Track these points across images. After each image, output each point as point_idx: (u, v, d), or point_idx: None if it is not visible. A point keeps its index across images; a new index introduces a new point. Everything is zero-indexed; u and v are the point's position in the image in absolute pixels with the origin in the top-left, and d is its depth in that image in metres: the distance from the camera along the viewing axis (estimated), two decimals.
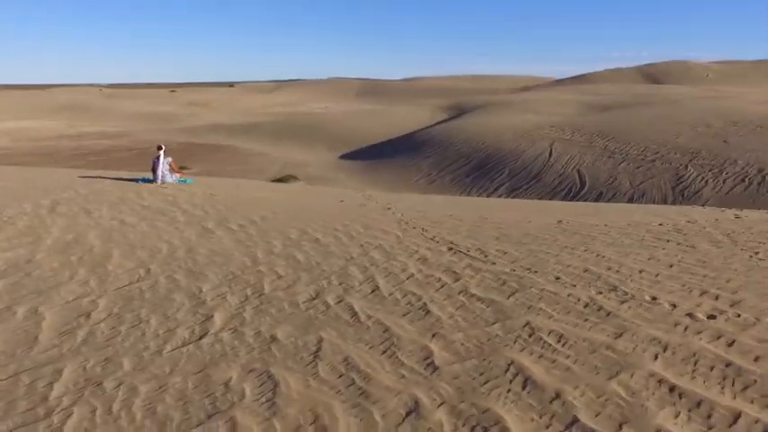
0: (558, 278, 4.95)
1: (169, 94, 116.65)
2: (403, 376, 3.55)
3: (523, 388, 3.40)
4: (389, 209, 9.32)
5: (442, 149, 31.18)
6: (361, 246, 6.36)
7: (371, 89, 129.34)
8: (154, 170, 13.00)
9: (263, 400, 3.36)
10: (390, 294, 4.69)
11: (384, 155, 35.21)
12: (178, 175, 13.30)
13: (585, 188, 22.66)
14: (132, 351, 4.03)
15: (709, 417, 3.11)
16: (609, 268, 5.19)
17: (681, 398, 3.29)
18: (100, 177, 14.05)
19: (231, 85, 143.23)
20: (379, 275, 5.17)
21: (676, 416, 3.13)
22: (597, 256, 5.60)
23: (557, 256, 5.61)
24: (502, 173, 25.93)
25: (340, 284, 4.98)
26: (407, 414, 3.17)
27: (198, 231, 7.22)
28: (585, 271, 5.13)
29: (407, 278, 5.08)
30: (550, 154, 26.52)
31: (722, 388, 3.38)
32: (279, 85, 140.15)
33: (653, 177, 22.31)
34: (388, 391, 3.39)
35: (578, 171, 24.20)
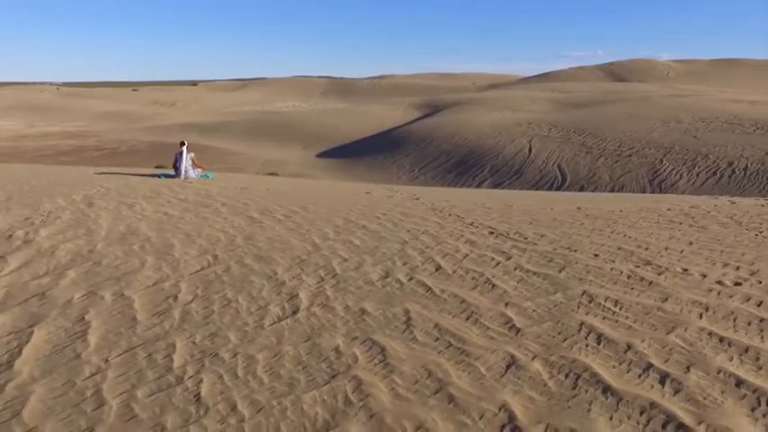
0: (596, 255, 5.59)
1: (131, 92, 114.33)
2: (492, 337, 4.10)
3: (598, 343, 4.00)
4: (418, 199, 9.89)
5: (423, 146, 31.91)
6: (408, 231, 6.89)
7: (337, 87, 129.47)
8: (176, 165, 13.25)
9: (377, 361, 3.86)
10: (454, 272, 5.24)
11: (362, 152, 35.74)
12: (199, 170, 13.56)
13: (567, 182, 23.68)
14: (233, 327, 4.46)
15: (757, 359, 3.77)
16: (638, 246, 5.87)
17: (730, 346, 3.94)
18: (116, 174, 14.19)
19: (194, 83, 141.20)
20: (437, 256, 5.72)
21: (731, 359, 3.78)
22: (624, 236, 6.28)
23: (588, 237, 6.27)
24: (483, 169, 26.79)
25: (404, 264, 5.50)
26: (508, 367, 3.73)
27: (246, 221, 7.60)
28: (619, 249, 5.79)
29: (463, 258, 5.63)
30: (530, 150, 27.53)
31: (762, 338, 4.06)
32: (244, 83, 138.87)
33: (630, 171, 23.49)
34: (483, 349, 3.94)
35: (559, 166, 25.24)
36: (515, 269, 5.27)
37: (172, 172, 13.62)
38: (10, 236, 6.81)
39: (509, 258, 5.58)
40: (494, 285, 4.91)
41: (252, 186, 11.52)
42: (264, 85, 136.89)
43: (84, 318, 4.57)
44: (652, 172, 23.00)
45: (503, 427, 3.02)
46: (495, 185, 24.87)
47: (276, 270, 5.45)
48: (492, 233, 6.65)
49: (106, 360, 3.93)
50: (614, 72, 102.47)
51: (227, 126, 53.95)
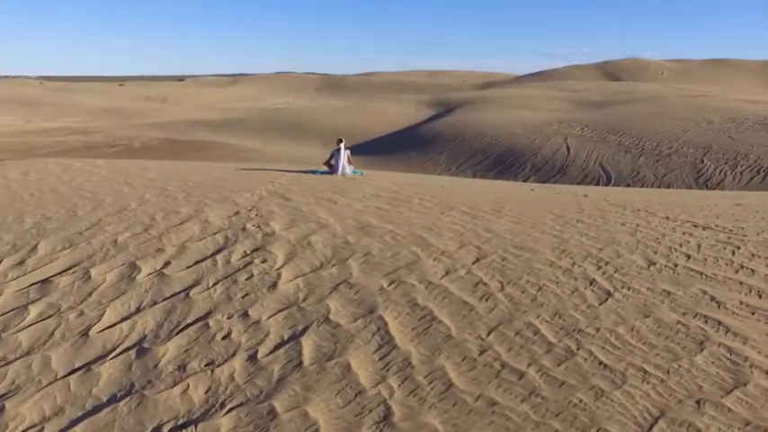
0: None
1: (117, 88, 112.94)
2: None
3: None
4: (586, 196, 10.59)
5: (455, 145, 32.62)
6: (627, 224, 7.56)
7: (329, 84, 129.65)
8: (331, 163, 13.83)
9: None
10: (705, 259, 5.97)
11: (390, 150, 36.29)
12: (352, 166, 14.11)
13: (612, 181, 24.57)
14: (570, 307, 5.06)
15: None
16: None
17: None
18: (257, 170, 14.59)
19: (181, 79, 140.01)
20: (676, 246, 6.44)
21: None
22: None
23: None
24: (524, 167, 27.59)
25: (655, 253, 6.20)
26: None
27: (464, 215, 8.09)
28: None
29: (698, 247, 6.37)
30: (568, 149, 28.41)
31: None
32: (234, 79, 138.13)
33: (674, 170, 24.48)
34: None
35: (601, 165, 26.15)
36: (753, 256, 6.01)
37: (323, 168, 14.29)
38: (243, 228, 7.27)
39: (738, 247, 6.32)
40: (753, 270, 5.63)
41: (420, 183, 11.88)
42: (254, 82, 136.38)
43: (418, 303, 5.12)
44: (695, 171, 24.01)
45: None
46: (541, 183, 25.66)
47: (549, 258, 6.06)
48: (696, 226, 7.37)
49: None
50: (608, 71, 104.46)
51: (237, 123, 53.97)
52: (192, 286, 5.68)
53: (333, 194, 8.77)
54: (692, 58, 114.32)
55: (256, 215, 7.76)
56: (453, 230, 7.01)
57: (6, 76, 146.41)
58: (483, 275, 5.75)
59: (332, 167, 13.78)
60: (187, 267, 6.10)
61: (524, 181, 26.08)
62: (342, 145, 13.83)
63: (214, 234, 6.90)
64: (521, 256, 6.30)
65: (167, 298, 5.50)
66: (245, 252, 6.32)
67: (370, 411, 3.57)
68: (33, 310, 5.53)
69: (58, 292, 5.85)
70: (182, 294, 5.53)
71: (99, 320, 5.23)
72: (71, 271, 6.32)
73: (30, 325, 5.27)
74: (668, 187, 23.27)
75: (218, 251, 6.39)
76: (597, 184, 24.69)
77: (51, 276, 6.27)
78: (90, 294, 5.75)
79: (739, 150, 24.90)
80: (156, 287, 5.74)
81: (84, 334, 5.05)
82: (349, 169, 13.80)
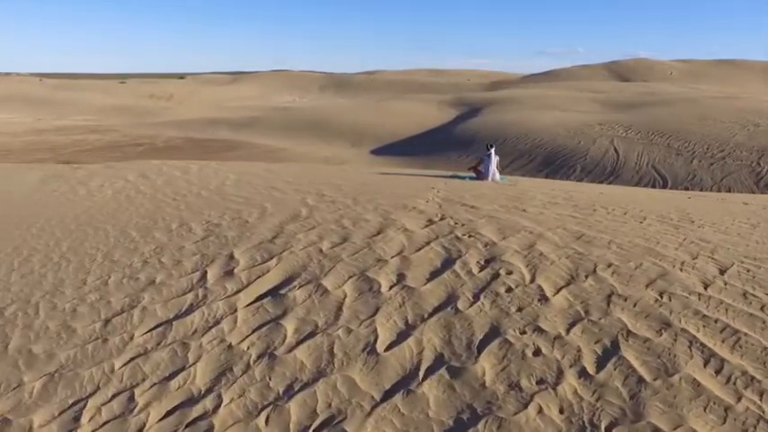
0: None
1: (119, 85, 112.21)
2: None
3: None
4: (746, 204, 10.47)
5: (497, 145, 32.47)
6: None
7: (335, 83, 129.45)
8: (479, 169, 13.68)
9: None
10: None
11: (424, 151, 36.14)
12: (498, 173, 14.02)
13: (669, 184, 24.52)
14: None
15: None
16: None
17: None
18: (395, 174, 14.42)
19: (181, 76, 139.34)
20: None
21: None
22: None
23: None
24: (574, 169, 27.50)
25: None
26: None
27: (662, 225, 7.89)
28: None
29: None
30: (616, 151, 28.36)
31: None
32: (235, 77, 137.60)
33: (731, 173, 24.46)
34: None
35: (654, 167, 26.10)
36: None
37: (468, 174, 14.17)
38: (456, 237, 7.06)
39: None
40: None
41: (575, 189, 11.63)
42: (255, 79, 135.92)
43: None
44: (754, 174, 24.00)
45: None
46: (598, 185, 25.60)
47: None
48: None
49: None
50: (616, 71, 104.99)
51: (255, 122, 53.66)
52: (450, 300, 5.47)
53: (510, 202, 8.54)
54: (695, 59, 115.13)
55: (456, 224, 7.53)
56: (670, 240, 6.84)
57: (1, 73, 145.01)
58: (742, 286, 5.59)
59: (480, 173, 13.68)
60: (428, 280, 5.88)
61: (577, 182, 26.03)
62: (492, 151, 13.79)
63: (428, 243, 6.68)
64: (761, 267, 6.14)
65: (433, 313, 5.29)
66: (479, 263, 6.11)
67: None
68: (288, 327, 5.31)
69: (301, 307, 5.63)
70: (449, 309, 5.32)
71: (377, 337, 5.02)
72: (296, 283, 6.09)
73: (297, 344, 5.05)
74: (728, 191, 23.24)
75: (449, 262, 6.17)
76: (653, 187, 24.63)
77: (277, 289, 6.05)
78: (339, 309, 5.53)
79: None
80: (411, 301, 5.52)
81: (371, 352, 4.84)
82: (498, 176, 13.82)
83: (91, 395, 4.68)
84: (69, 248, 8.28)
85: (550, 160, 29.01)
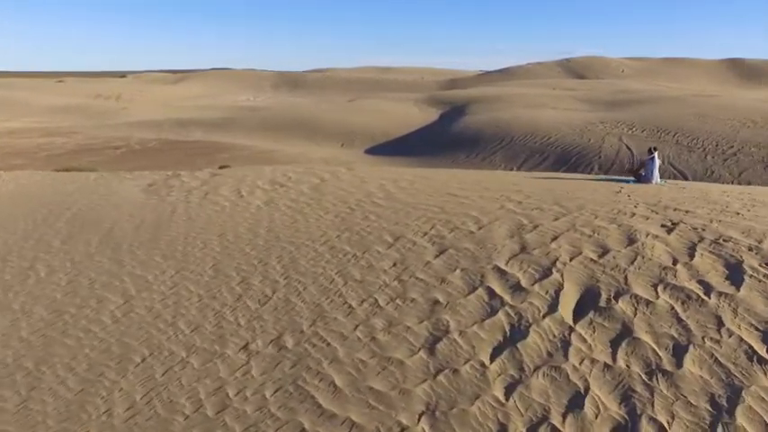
0: None
1: (57, 84, 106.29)
2: None
3: None
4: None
5: (506, 144, 32.84)
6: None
7: (287, 81, 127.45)
8: (640, 172, 13.65)
9: None
10: None
11: (427, 152, 36.05)
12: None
13: (689, 179, 25.45)
14: None
15: None
16: None
17: None
18: (547, 178, 14.01)
19: (123, 75, 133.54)
20: None
21: None
22: None
23: None
24: (591, 167, 28.11)
25: None
26: None
27: None
28: None
29: None
30: (629, 148, 29.21)
31: None
32: (182, 75, 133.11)
33: (748, 168, 25.65)
34: None
35: (671, 164, 27.01)
36: None
37: (628, 178, 14.15)
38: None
39: None
40: None
41: (727, 190, 11.44)
42: (202, 78, 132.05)
43: None
44: None
45: None
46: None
47: None
48: None
49: None
50: (571, 68, 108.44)
51: (230, 122, 52.03)
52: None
53: (709, 205, 8.46)
54: (645, 56, 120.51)
55: (695, 228, 7.39)
56: None
57: None
58: None
59: (640, 176, 13.74)
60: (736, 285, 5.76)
61: None
62: (656, 154, 13.93)
63: (693, 248, 6.53)
64: None
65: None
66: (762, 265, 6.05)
67: None
68: (649, 341, 5.05)
69: (639, 320, 5.38)
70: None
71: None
72: (604, 296, 5.83)
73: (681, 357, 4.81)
74: (749, 184, 24.37)
75: (732, 267, 6.07)
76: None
77: (590, 302, 5.77)
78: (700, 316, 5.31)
79: None
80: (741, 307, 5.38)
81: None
82: (661, 179, 14.03)
83: None
84: (288, 268, 7.58)
85: (565, 158, 29.54)
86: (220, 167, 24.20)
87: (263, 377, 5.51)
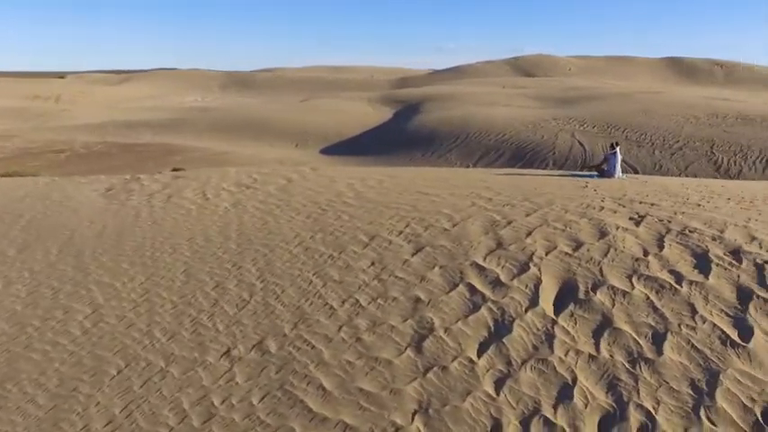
0: None
1: None
2: None
3: None
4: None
5: (461, 142, 33.28)
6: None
7: (236, 81, 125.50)
8: (602, 167, 13.89)
9: None
10: None
11: (383, 150, 36.18)
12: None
13: (640, 174, 26.43)
14: None
15: None
16: None
17: None
18: (518, 175, 14.09)
19: (62, 76, 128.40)
20: None
21: None
22: None
23: None
24: (546, 162, 28.83)
25: None
26: None
27: None
28: None
29: None
30: (581, 144, 30.09)
31: None
32: (126, 76, 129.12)
33: (693, 162, 26.84)
34: None
35: (623, 159, 27.95)
36: None
37: (590, 173, 14.66)
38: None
39: None
40: None
41: (707, 184, 11.79)
42: (147, 78, 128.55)
43: None
44: (712, 163, 26.50)
45: None
46: None
47: None
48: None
49: None
50: (520, 67, 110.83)
51: (180, 124, 50.82)
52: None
53: (672, 198, 8.82)
54: (590, 55, 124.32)
55: (661, 220, 7.67)
56: None
57: None
58: None
59: (603, 171, 14.09)
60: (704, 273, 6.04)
61: None
62: (618, 149, 14.45)
63: (662, 239, 6.81)
64: None
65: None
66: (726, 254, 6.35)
67: None
68: (629, 330, 5.25)
69: (617, 310, 5.58)
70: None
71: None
72: (583, 288, 6.02)
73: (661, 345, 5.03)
74: (695, 177, 25.50)
75: (699, 256, 6.35)
76: None
77: (569, 295, 5.95)
78: (671, 303, 5.54)
79: (741, 143, 27.81)
80: (710, 294, 5.65)
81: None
82: (622, 173, 14.46)
83: None
84: (263, 270, 7.46)
85: (520, 154, 30.19)
86: (173, 170, 23.64)
87: (248, 383, 5.44)
